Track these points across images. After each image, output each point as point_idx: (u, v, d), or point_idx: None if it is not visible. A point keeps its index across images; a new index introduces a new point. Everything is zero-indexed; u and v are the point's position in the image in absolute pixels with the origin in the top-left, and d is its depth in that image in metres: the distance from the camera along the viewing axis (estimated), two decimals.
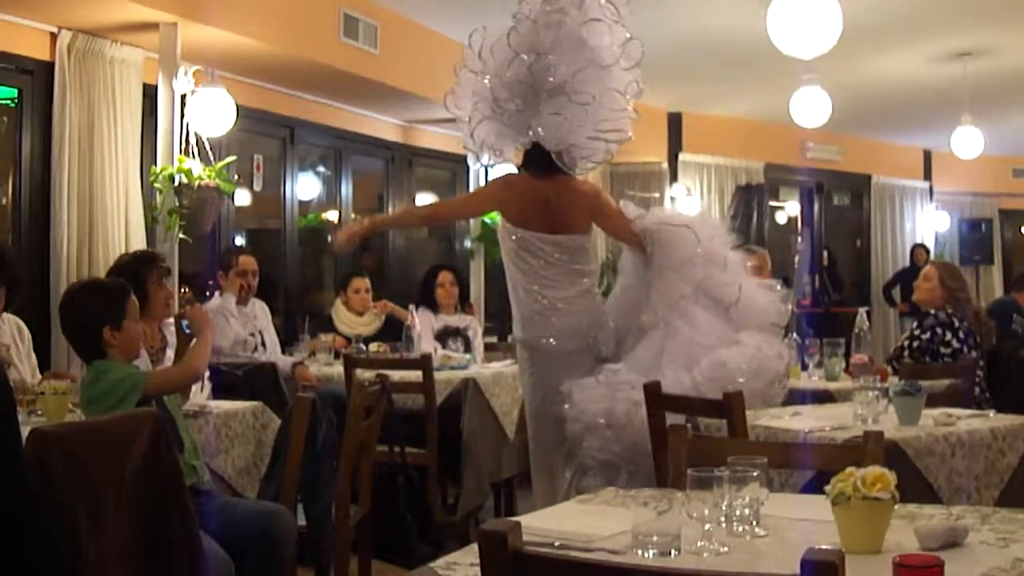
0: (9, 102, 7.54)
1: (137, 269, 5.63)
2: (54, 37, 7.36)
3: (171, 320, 5.59)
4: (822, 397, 6.16)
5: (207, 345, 4.81)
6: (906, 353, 7.04)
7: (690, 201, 14.45)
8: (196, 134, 7.91)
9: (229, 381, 6.47)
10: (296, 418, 4.85)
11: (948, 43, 10.87)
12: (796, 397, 6.10)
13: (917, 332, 7.10)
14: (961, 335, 6.97)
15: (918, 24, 10.17)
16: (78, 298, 4.70)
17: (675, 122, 14.41)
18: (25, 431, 3.56)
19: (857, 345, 6.78)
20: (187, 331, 4.98)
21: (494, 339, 10.57)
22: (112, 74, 7.55)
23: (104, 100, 7.47)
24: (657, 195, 14.43)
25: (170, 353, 5.86)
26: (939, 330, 7.01)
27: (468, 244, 11.66)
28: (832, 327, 10.36)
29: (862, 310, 7.15)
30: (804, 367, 6.84)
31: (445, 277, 8.71)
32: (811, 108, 10.27)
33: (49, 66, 7.36)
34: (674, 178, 14.42)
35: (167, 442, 3.69)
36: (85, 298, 4.68)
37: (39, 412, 4.87)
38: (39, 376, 5.69)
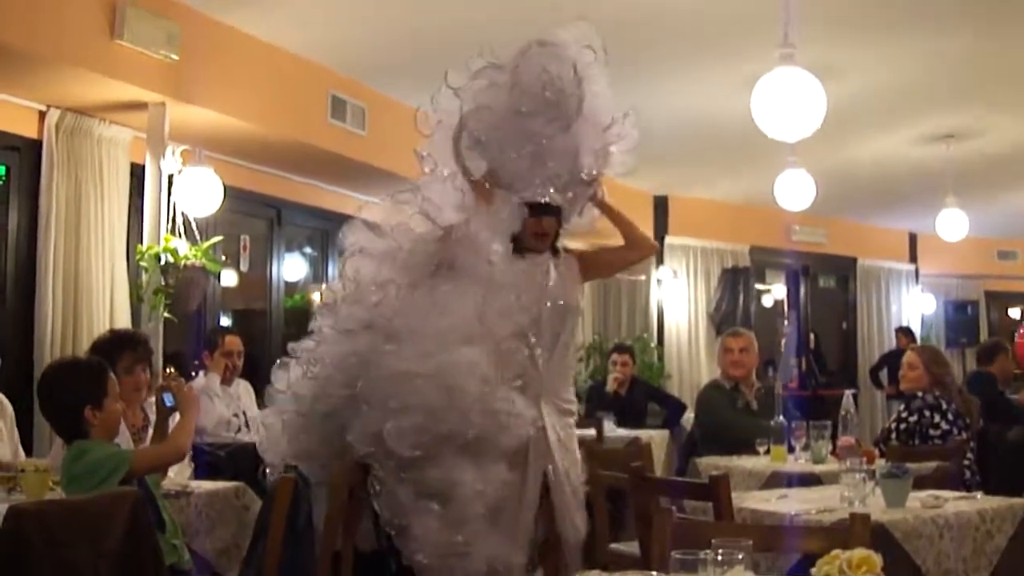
0: None
1: (110, 352, 5.58)
2: (42, 115, 7.40)
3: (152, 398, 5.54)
4: (809, 480, 6.12)
5: (191, 422, 4.78)
6: (894, 436, 7.02)
7: (676, 284, 14.48)
8: (183, 213, 7.92)
9: (212, 461, 6.43)
10: (277, 498, 4.80)
11: (931, 125, 10.96)
12: (783, 480, 6.07)
13: (905, 415, 7.09)
14: (950, 417, 6.96)
15: (901, 107, 10.25)
16: (57, 378, 4.66)
17: (661, 205, 14.47)
18: (4, 508, 3.53)
19: (844, 427, 6.75)
20: (168, 405, 4.94)
21: None
22: (100, 152, 7.57)
23: (91, 178, 7.49)
24: (643, 277, 14.45)
25: (151, 432, 5.83)
26: (927, 413, 6.99)
27: None
28: (819, 409, 10.36)
29: (848, 392, 7.12)
30: (791, 449, 6.80)
31: None
32: (796, 191, 10.31)
33: (37, 144, 7.39)
34: (660, 261, 14.45)
35: (147, 521, 3.67)
36: (64, 378, 4.64)
37: (19, 490, 4.82)
38: (21, 454, 5.65)
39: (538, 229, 5.26)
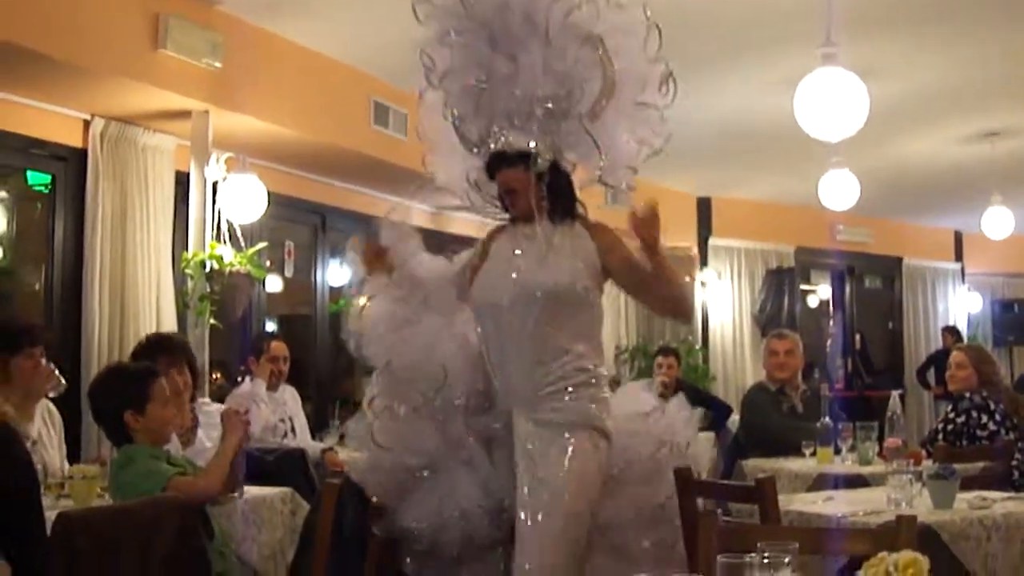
0: (43, 188, 7.63)
1: (146, 356, 5.61)
2: (87, 124, 7.46)
3: (206, 400, 5.57)
4: (855, 481, 6.10)
5: (227, 456, 4.63)
6: (941, 436, 6.97)
7: (721, 285, 14.44)
8: (228, 220, 7.96)
9: (259, 467, 6.45)
10: (324, 505, 4.82)
11: (975, 124, 10.89)
12: (829, 482, 6.05)
13: (952, 415, 7.04)
14: (997, 417, 6.90)
15: (945, 105, 10.19)
16: (101, 383, 4.74)
17: (704, 206, 14.43)
18: (53, 515, 3.56)
19: (890, 429, 6.71)
20: None
21: None
22: (144, 161, 7.63)
23: (136, 186, 7.55)
24: (688, 279, 14.41)
25: (200, 434, 5.85)
26: (975, 413, 6.94)
27: None
28: (865, 411, 10.32)
29: (895, 393, 7.09)
30: (837, 451, 6.77)
31: None
32: (840, 191, 10.25)
33: (82, 153, 7.45)
34: (704, 263, 14.42)
35: (195, 528, 3.68)
36: (107, 383, 4.71)
37: (68, 496, 4.86)
38: (67, 463, 5.69)
39: (502, 187, 4.36)
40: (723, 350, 14.44)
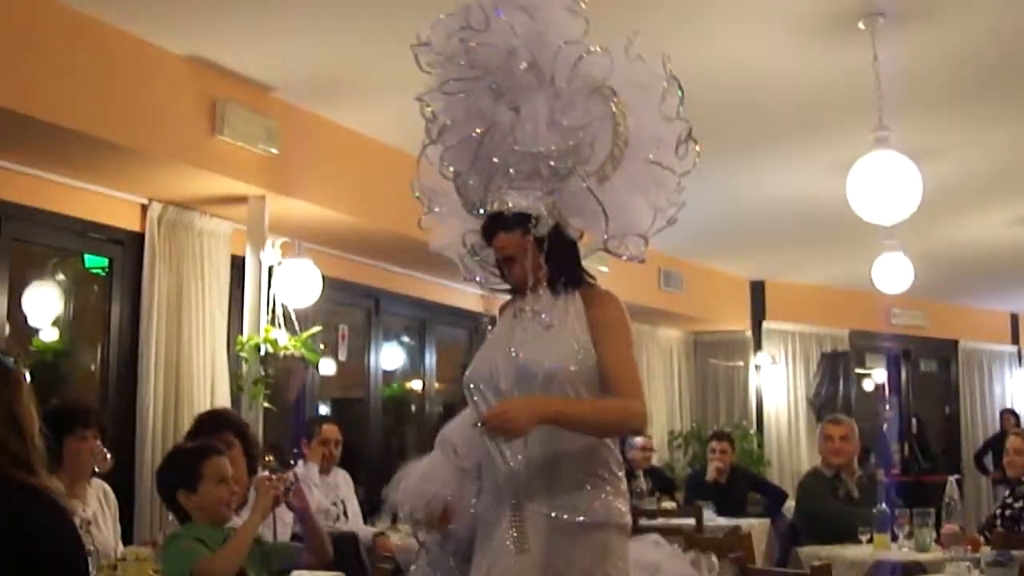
0: (100, 271, 7.72)
1: (201, 434, 5.65)
2: (145, 208, 7.55)
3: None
4: (913, 569, 6.03)
5: (247, 530, 4.50)
6: (999, 522, 6.89)
7: (775, 369, 14.37)
8: (282, 304, 8.01)
9: None
10: None
11: None
12: (886, 569, 5.98)
13: (1010, 500, 6.96)
14: None
15: (999, 186, 10.15)
16: (161, 465, 4.77)
17: (758, 290, 14.41)
18: None
19: (948, 514, 6.64)
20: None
21: None
22: (201, 245, 7.70)
23: (192, 270, 7.62)
24: (741, 363, 14.39)
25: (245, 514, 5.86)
26: None
27: None
28: (922, 496, 10.16)
29: (952, 478, 7.03)
30: (894, 538, 6.69)
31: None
32: (894, 274, 10.21)
33: (139, 236, 7.53)
34: (758, 346, 14.37)
35: None
36: (164, 464, 4.75)
37: None
38: (121, 544, 5.71)
39: (498, 253, 3.88)
40: (778, 434, 14.35)
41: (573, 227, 3.89)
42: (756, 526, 9.34)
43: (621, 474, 3.83)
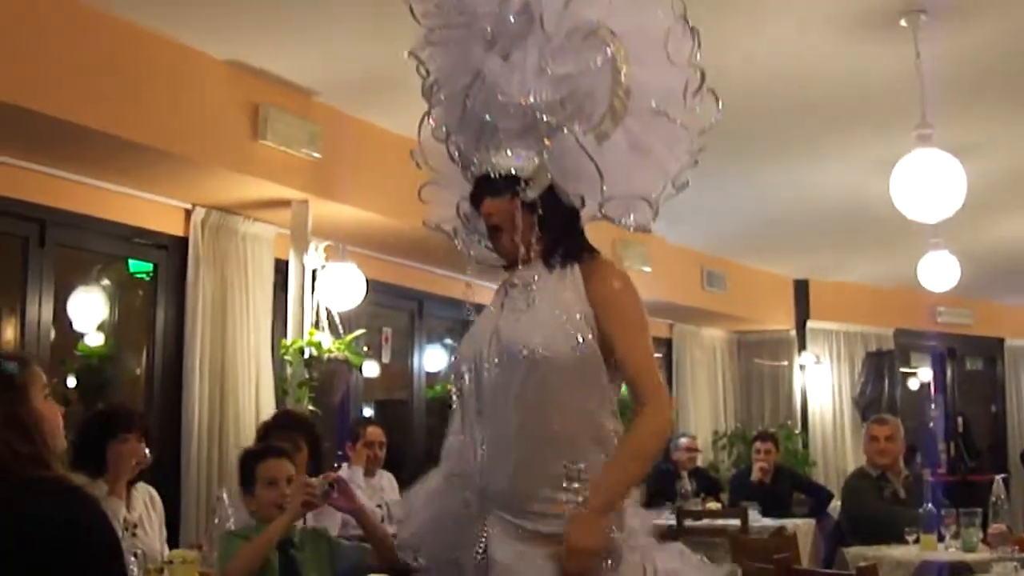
0: (145, 276, 7.77)
1: (266, 436, 5.72)
2: (188, 213, 7.60)
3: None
4: (960, 569, 5.99)
5: (272, 534, 4.44)
6: None
7: (819, 369, 14.31)
8: (326, 308, 8.03)
9: None
10: None
11: None
12: (933, 569, 5.95)
13: None
14: None
15: None
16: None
17: (802, 289, 14.35)
18: None
19: (995, 514, 6.59)
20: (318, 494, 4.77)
21: None
22: (244, 249, 7.75)
23: (236, 274, 7.66)
24: (786, 363, 14.33)
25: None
26: None
27: None
28: (968, 496, 10.10)
29: (999, 477, 6.98)
30: (940, 538, 6.65)
31: None
32: (939, 273, 10.14)
33: (183, 241, 7.59)
34: (802, 346, 14.31)
35: None
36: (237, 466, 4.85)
37: None
38: (167, 547, 5.74)
39: (485, 220, 3.49)
40: (823, 434, 14.29)
41: (573, 192, 3.34)
42: (802, 526, 9.31)
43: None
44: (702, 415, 13.57)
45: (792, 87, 7.54)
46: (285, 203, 7.66)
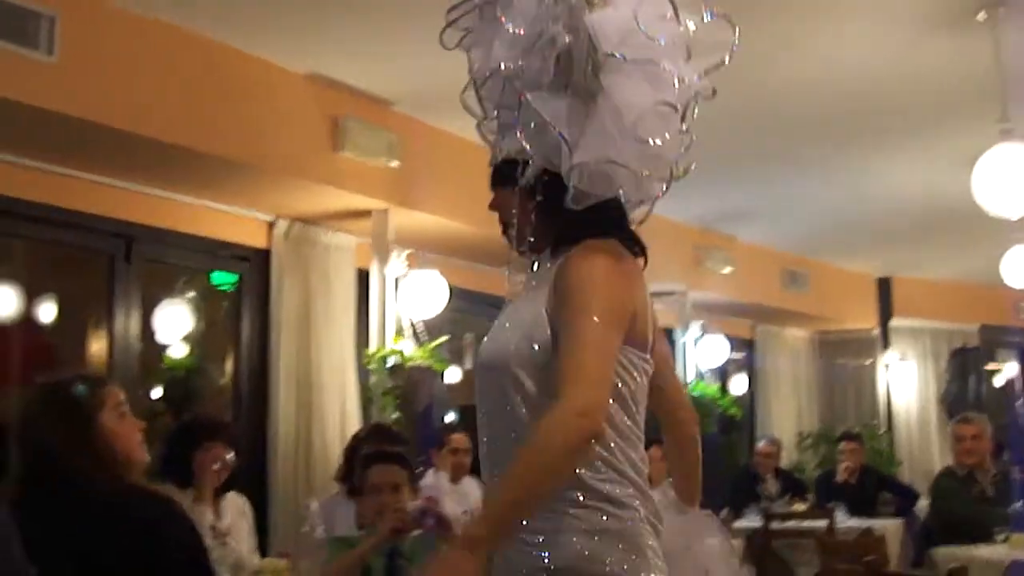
0: (229, 287, 7.87)
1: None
2: (271, 226, 7.69)
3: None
4: None
5: (359, 554, 4.43)
6: None
7: (904, 367, 14.17)
8: (409, 316, 8.08)
9: None
10: None
11: None
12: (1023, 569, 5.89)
13: None
14: None
15: None
16: None
17: (884, 287, 14.21)
18: None
19: None
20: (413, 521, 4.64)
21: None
22: (326, 260, 7.81)
23: (319, 284, 7.73)
24: (869, 362, 14.21)
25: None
26: None
27: None
28: None
29: None
30: None
31: (655, 452, 8.56)
32: (1022, 268, 10.02)
33: (266, 253, 7.68)
34: (886, 344, 14.18)
35: None
36: None
37: None
38: (257, 555, 5.82)
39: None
40: (909, 433, 14.14)
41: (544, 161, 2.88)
42: (889, 527, 9.24)
43: (623, 493, 2.70)
44: (786, 416, 13.49)
45: (870, 85, 7.50)
46: (366, 213, 7.72)
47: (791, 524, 9.22)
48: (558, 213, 2.85)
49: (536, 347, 2.76)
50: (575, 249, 2.78)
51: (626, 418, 2.75)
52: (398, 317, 7.99)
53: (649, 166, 2.79)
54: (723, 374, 12.42)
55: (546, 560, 2.63)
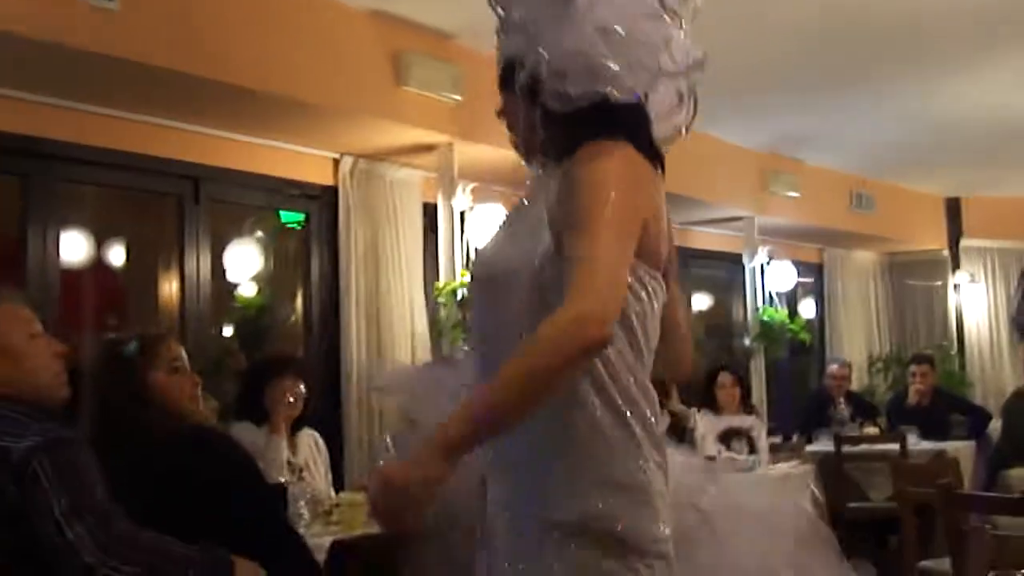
0: (297, 225, 7.92)
1: None
2: (337, 163, 7.72)
3: None
4: None
5: None
6: None
7: (975, 288, 14.05)
8: (475, 248, 8.10)
9: None
10: None
11: None
12: None
13: None
14: None
15: None
16: None
17: (953, 207, 14.07)
18: (325, 541, 3.83)
19: None
20: None
21: (778, 439, 10.36)
22: (392, 195, 7.83)
23: (386, 220, 7.75)
24: (939, 283, 14.10)
25: None
26: None
27: (747, 342, 11.49)
28: None
29: None
30: None
31: (725, 378, 8.63)
32: None
33: (333, 190, 7.71)
34: (956, 265, 14.06)
35: None
36: None
37: (336, 523, 5.04)
38: (332, 490, 5.90)
39: None
40: (980, 355, 14.03)
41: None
42: (961, 449, 9.21)
43: (634, 439, 2.51)
44: (856, 339, 13.42)
45: (933, 3, 7.40)
46: (430, 147, 7.73)
47: (863, 448, 9.22)
48: (556, 118, 2.65)
49: (544, 257, 2.50)
50: (580, 151, 2.54)
51: (630, 351, 2.55)
52: (465, 250, 8.02)
53: (621, 58, 2.54)
54: (792, 299, 12.36)
55: (552, 514, 2.42)
